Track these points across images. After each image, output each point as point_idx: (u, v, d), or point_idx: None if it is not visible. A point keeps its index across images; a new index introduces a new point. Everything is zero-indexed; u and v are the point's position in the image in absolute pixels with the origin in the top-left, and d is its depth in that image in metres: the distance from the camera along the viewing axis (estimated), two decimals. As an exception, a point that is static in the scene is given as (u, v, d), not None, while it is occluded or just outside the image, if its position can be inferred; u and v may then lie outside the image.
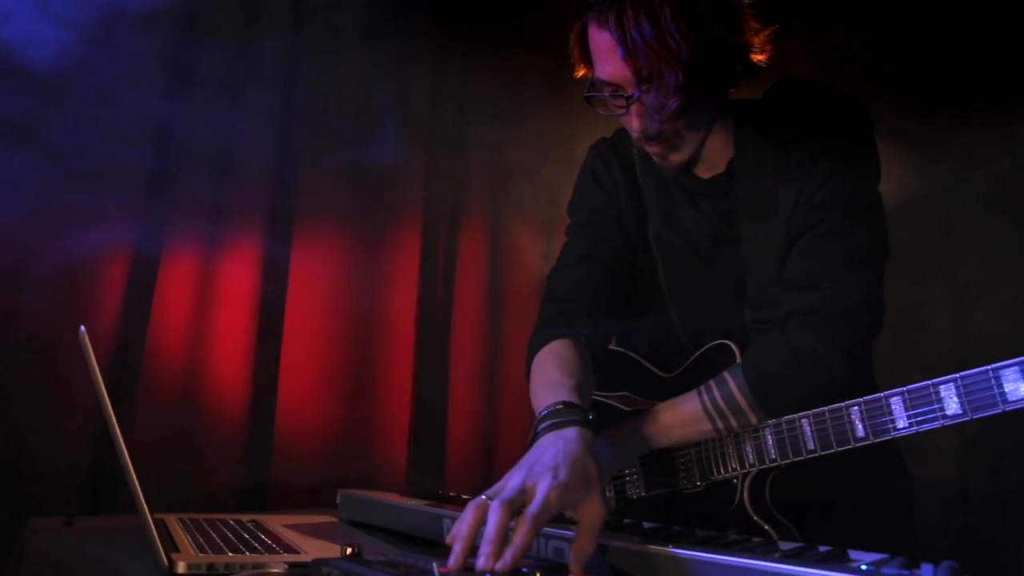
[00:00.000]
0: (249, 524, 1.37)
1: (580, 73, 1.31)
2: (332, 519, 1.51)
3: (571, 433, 0.98)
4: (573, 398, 1.08)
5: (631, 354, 1.48)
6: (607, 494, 1.46)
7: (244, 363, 2.39)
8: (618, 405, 1.45)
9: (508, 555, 0.78)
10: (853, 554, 0.89)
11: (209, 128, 2.28)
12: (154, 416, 2.18)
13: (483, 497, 0.85)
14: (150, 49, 2.22)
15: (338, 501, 1.49)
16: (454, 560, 0.81)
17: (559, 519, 0.93)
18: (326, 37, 2.60)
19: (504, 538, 0.80)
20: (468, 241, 2.96)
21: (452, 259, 2.92)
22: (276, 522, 1.42)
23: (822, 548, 0.92)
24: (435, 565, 0.82)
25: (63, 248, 2.08)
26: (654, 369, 1.43)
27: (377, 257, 2.72)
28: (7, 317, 1.98)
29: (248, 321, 2.41)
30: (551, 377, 1.17)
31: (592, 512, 0.87)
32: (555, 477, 0.87)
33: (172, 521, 1.35)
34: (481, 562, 0.78)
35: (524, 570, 0.80)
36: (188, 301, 2.31)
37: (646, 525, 1.13)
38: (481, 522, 0.82)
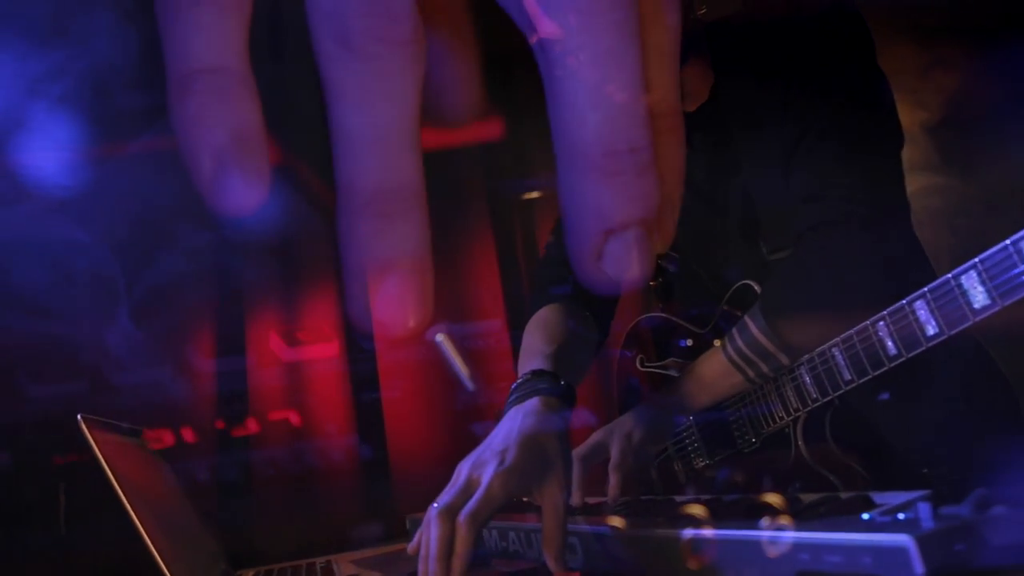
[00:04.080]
0: (320, 565, 1.37)
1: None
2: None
3: (531, 405, 0.89)
4: (546, 365, 0.99)
5: (671, 317, 1.38)
6: (676, 468, 1.36)
7: (344, 399, 2.45)
8: (671, 373, 1.35)
9: (455, 568, 0.72)
10: (879, 498, 0.76)
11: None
12: (269, 473, 2.26)
13: (435, 505, 0.79)
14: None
15: (407, 527, 1.47)
16: (418, 583, 0.76)
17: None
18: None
19: (449, 550, 0.74)
20: (545, 229, 2.89)
21: (532, 251, 2.86)
22: (352, 558, 1.42)
23: (845, 496, 0.79)
24: (398, 592, 0.78)
25: (156, 313, 2.21)
26: (691, 327, 1.32)
27: (453, 264, 2.71)
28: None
29: (339, 356, 2.46)
30: (530, 346, 1.09)
31: (551, 495, 0.77)
32: (501, 463, 0.78)
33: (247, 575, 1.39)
34: (429, 584, 0.73)
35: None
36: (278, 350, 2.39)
37: (678, 499, 1.03)
38: None
